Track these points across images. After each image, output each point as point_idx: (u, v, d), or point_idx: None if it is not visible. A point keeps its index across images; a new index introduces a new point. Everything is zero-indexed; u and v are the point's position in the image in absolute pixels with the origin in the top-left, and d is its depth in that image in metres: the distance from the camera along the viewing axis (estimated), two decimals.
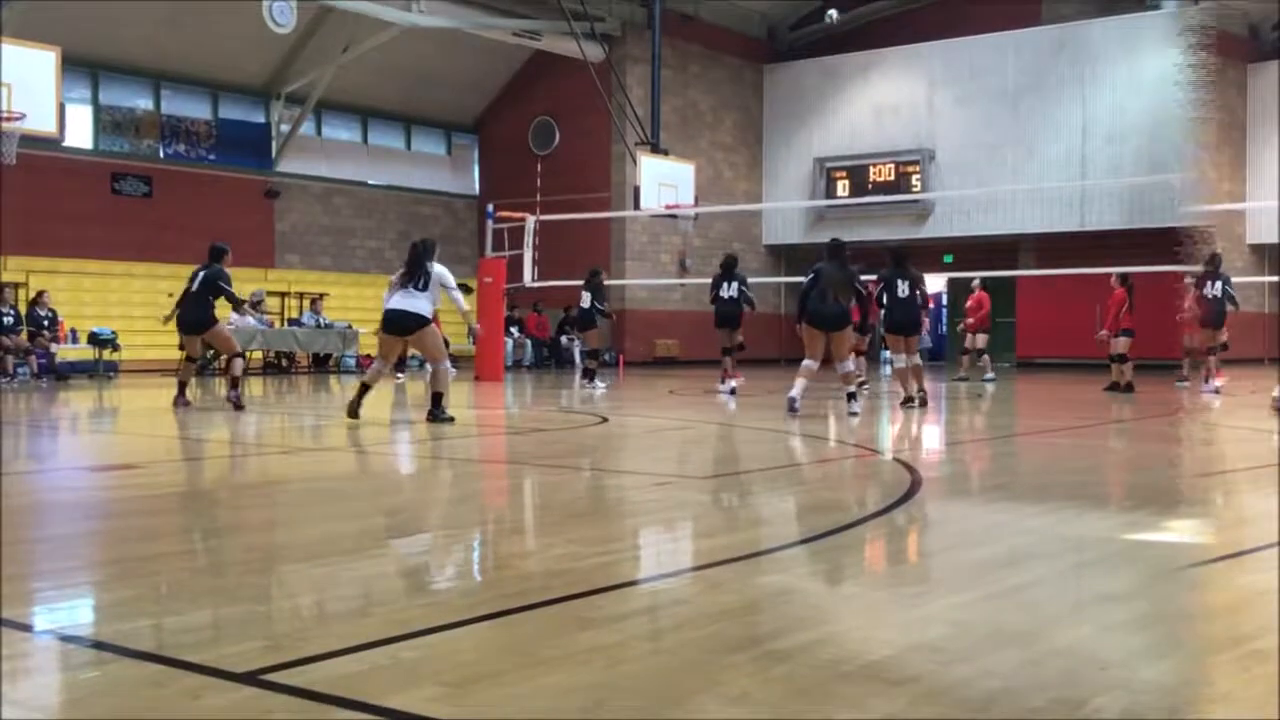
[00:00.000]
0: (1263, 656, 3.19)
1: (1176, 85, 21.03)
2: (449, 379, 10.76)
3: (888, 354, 13.44)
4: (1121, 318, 16.36)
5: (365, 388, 10.93)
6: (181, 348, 13.13)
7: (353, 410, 10.63)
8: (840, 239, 12.39)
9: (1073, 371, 23.69)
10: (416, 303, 10.61)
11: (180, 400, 12.66)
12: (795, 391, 11.56)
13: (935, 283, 30.93)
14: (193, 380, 13.54)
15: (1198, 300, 16.30)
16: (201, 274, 12.60)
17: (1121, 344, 16.32)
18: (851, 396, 11.70)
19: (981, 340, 19.84)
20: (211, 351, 20.04)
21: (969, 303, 20.03)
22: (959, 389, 17.64)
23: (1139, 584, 4.23)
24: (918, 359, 13.38)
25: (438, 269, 10.82)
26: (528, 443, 10.00)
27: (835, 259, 11.89)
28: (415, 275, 10.67)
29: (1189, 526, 5.77)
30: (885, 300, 13.19)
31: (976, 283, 20.13)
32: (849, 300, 11.71)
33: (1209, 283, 16.15)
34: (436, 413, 10.49)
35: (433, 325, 10.88)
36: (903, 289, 13.04)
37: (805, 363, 11.78)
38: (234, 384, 12.61)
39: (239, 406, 12.23)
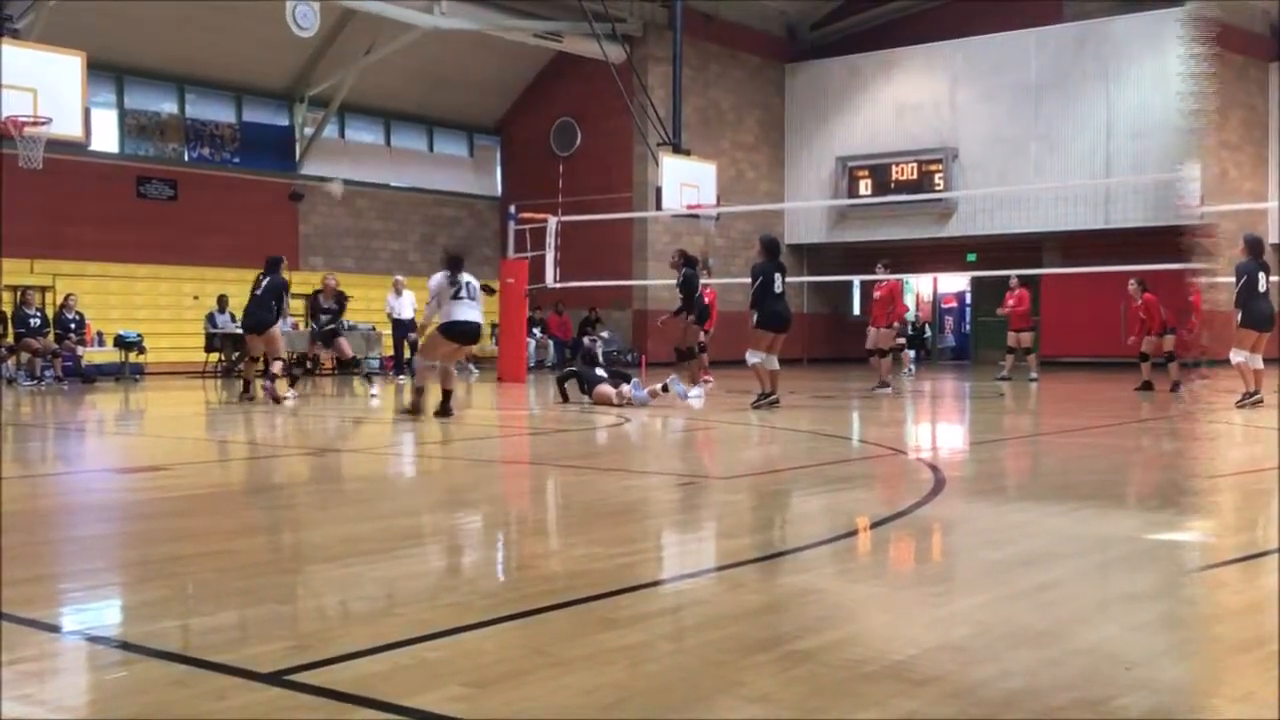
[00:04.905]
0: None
1: (1179, 78, 20.80)
2: None
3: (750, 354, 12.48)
4: (1166, 318, 16.49)
5: (421, 391, 11.54)
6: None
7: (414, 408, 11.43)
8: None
9: (1097, 370, 23.56)
10: (480, 313, 11.49)
11: (246, 395, 14.02)
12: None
13: (958, 281, 30.97)
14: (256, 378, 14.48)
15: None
16: (266, 281, 14.08)
17: (1169, 341, 16.41)
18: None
19: (1026, 339, 19.64)
20: (236, 354, 20.20)
21: (1009, 300, 19.67)
22: (997, 388, 17.55)
23: (1162, 584, 4.21)
24: (777, 362, 12.60)
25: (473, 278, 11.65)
26: (550, 443, 10.03)
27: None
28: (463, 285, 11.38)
29: (1212, 527, 5.73)
30: (761, 296, 12.40)
31: (1015, 280, 19.89)
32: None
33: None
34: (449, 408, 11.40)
35: None
36: (779, 284, 12.48)
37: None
38: (271, 377, 13.78)
39: (276, 399, 13.34)
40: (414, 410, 11.34)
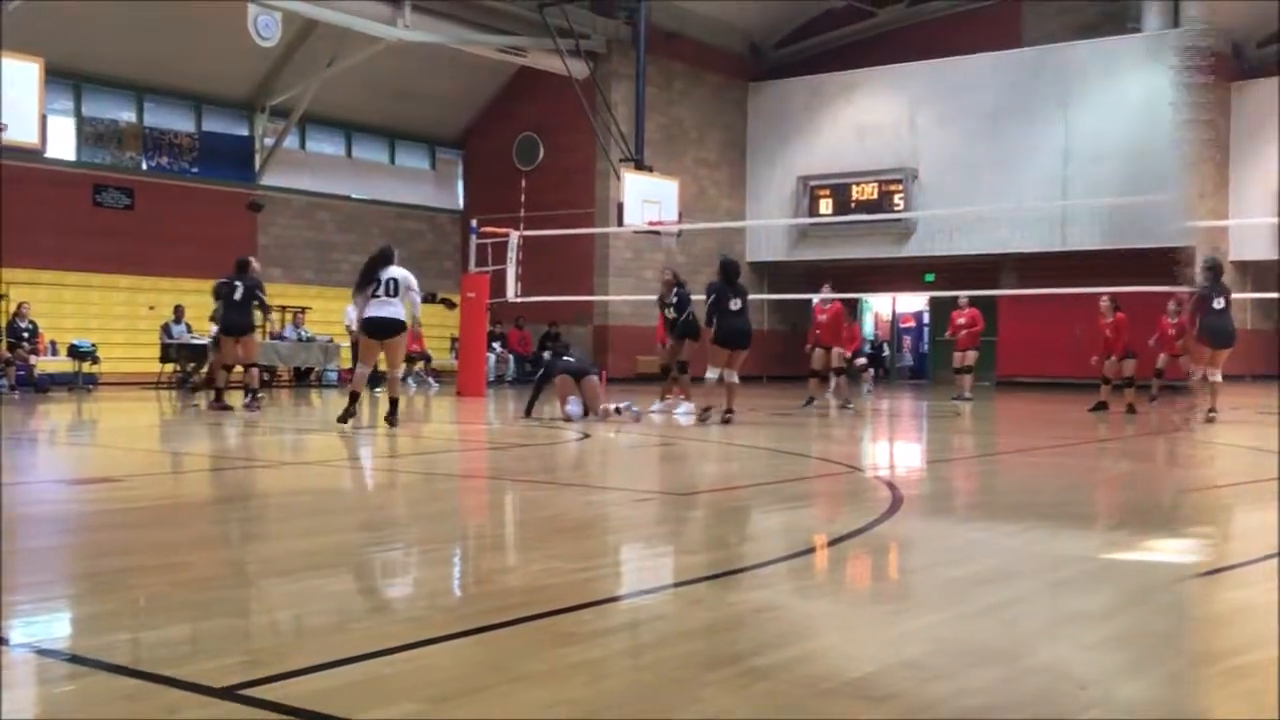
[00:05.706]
0: (1240, 672, 3.21)
1: (1170, 105, 21.00)
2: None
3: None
4: (1129, 341, 16.50)
5: (356, 396, 11.63)
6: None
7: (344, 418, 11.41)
8: None
9: (1053, 391, 23.78)
10: (397, 309, 11.50)
11: (219, 404, 14.03)
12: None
13: (916, 301, 31.19)
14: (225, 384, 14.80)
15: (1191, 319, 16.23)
16: (240, 284, 13.88)
17: (1129, 366, 16.42)
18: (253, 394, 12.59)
19: (971, 357, 19.72)
20: (193, 365, 20.01)
21: (961, 319, 19.77)
22: (955, 408, 17.66)
23: (1117, 602, 4.24)
24: (736, 377, 13.07)
25: (403, 274, 11.64)
26: (509, 458, 9.99)
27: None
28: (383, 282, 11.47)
29: (1167, 545, 5.79)
30: (714, 312, 12.94)
31: (964, 300, 19.98)
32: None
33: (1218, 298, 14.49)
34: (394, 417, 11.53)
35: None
36: (734, 303, 12.99)
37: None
38: (253, 395, 13.96)
39: (257, 409, 13.67)
40: (346, 418, 11.32)
